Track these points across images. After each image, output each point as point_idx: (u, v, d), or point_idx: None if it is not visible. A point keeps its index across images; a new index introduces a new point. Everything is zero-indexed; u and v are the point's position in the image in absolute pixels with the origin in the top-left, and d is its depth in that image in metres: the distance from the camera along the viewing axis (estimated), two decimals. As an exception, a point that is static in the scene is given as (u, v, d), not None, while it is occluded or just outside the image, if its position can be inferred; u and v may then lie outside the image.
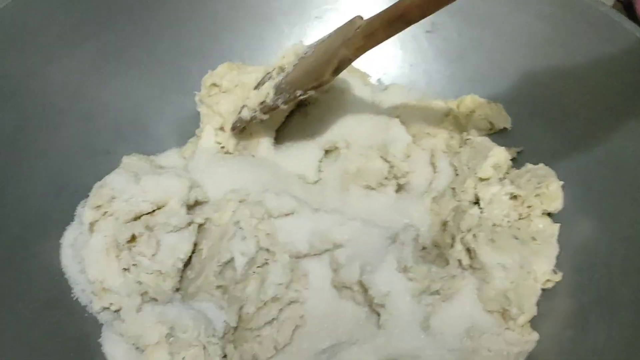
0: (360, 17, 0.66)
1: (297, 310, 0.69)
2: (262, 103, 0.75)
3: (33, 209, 0.70)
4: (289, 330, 0.68)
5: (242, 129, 0.80)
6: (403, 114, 0.86)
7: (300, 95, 0.70)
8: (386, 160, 0.79)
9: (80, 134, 0.78)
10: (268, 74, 0.79)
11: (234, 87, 0.81)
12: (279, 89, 0.73)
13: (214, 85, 0.82)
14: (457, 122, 0.86)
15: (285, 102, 0.73)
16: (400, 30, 0.62)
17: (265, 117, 0.76)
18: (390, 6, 0.61)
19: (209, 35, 0.88)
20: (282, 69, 0.76)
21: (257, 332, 0.68)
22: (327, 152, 0.81)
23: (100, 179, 0.74)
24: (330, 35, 0.71)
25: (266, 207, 0.71)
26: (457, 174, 0.82)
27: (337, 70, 0.67)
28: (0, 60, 0.70)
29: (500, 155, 0.78)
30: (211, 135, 0.81)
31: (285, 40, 0.93)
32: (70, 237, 0.73)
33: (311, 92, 0.70)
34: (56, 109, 0.75)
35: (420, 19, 0.60)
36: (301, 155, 0.80)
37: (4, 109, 0.69)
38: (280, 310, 0.68)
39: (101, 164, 0.78)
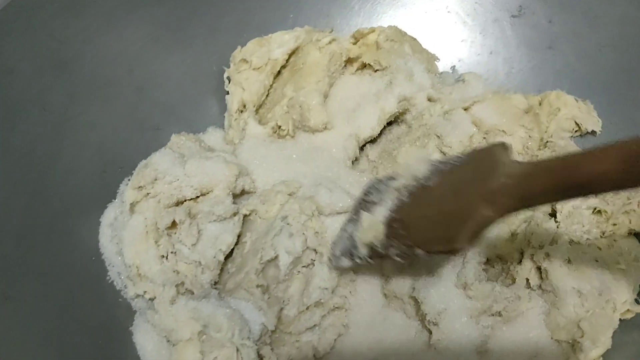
0: (506, 147, 0.50)
1: (341, 317, 0.65)
2: (370, 247, 0.59)
3: (77, 183, 0.68)
4: (331, 338, 0.64)
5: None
6: (475, 107, 0.77)
7: (420, 255, 0.53)
8: (441, 152, 0.72)
9: (131, 107, 0.75)
10: (367, 194, 0.64)
11: (263, 65, 0.77)
12: (391, 231, 0.56)
13: (244, 61, 0.77)
14: (538, 121, 0.77)
15: (400, 256, 0.55)
16: (573, 198, 0.49)
17: (372, 262, 0.60)
18: (564, 162, 0.45)
19: (273, 11, 0.83)
20: (398, 190, 0.59)
21: (297, 337, 0.64)
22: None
23: (147, 157, 0.71)
24: (463, 165, 0.54)
25: (317, 204, 0.65)
26: None
27: (475, 236, 0.49)
28: (58, 26, 0.67)
29: (586, 163, 0.69)
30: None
31: (355, 17, 0.86)
32: (110, 216, 0.70)
33: (437, 255, 0.58)
34: (109, 80, 0.72)
35: (610, 192, 0.49)
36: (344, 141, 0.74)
37: (58, 77, 0.67)
38: (323, 316, 0.64)
39: (150, 140, 0.74)
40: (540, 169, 0.47)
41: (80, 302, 0.62)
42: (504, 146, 0.51)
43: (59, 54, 0.68)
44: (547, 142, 0.75)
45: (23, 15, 0.65)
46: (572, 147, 0.73)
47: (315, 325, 0.63)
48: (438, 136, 0.72)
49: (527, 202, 0.48)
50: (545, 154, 0.74)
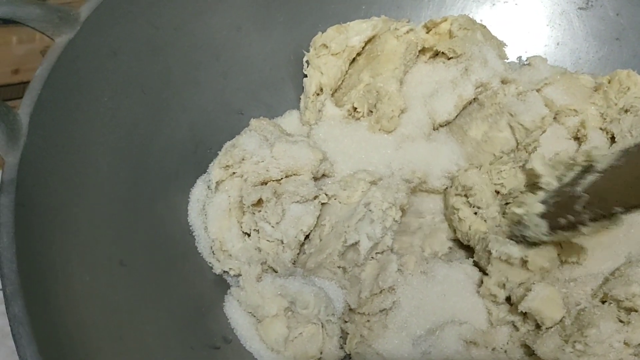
0: None
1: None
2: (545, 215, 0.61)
3: (172, 161, 0.71)
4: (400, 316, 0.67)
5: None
6: (545, 89, 0.79)
7: (617, 213, 0.55)
8: (511, 127, 0.75)
9: (218, 92, 0.78)
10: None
11: (341, 51, 0.79)
12: (580, 203, 0.58)
13: (324, 46, 0.80)
14: (607, 98, 0.78)
15: (593, 220, 0.57)
16: None
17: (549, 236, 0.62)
18: None
19: (347, 3, 0.86)
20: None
21: (367, 318, 0.66)
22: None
23: (232, 139, 0.74)
24: None
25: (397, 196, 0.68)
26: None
27: None
28: (154, 13, 0.71)
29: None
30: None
31: (425, 9, 0.89)
32: (197, 192, 0.73)
33: (634, 211, 0.57)
34: (198, 65, 0.76)
35: None
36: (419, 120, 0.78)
37: (154, 60, 0.70)
38: (394, 301, 0.67)
39: (234, 124, 0.77)
40: None
41: (182, 272, 0.66)
42: None
43: (155, 40, 0.71)
44: (627, 109, 0.76)
45: (125, 2, 0.68)
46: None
47: (385, 309, 0.66)
48: (511, 114, 0.75)
49: None
50: (627, 119, 0.75)
